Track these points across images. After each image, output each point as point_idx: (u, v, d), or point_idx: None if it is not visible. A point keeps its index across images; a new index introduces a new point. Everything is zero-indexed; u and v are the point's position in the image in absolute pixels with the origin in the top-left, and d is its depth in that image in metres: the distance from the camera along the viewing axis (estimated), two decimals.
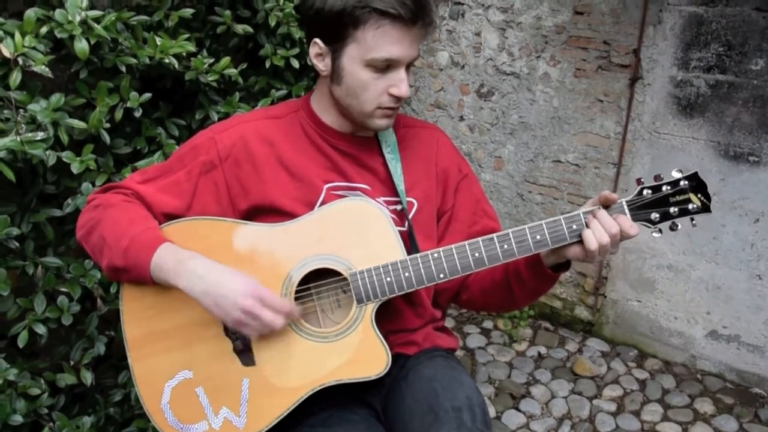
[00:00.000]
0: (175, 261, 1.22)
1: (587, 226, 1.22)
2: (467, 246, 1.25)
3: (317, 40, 1.29)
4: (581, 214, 1.24)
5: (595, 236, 1.20)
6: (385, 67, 1.26)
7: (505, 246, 1.24)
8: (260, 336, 1.25)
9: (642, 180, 1.27)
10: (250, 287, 1.19)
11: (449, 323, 3.50)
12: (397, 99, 1.29)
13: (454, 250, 1.25)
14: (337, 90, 1.31)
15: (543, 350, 3.31)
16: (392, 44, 1.23)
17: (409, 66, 1.30)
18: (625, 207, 1.25)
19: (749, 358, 2.96)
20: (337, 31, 1.25)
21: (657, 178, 1.27)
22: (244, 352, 1.27)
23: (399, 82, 1.27)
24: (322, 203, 1.33)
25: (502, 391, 2.97)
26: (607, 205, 1.24)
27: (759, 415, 2.79)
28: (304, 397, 1.25)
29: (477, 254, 1.24)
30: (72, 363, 1.73)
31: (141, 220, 1.28)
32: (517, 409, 2.86)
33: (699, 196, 1.25)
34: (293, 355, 1.26)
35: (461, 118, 3.71)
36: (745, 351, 2.96)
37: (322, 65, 1.32)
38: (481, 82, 3.57)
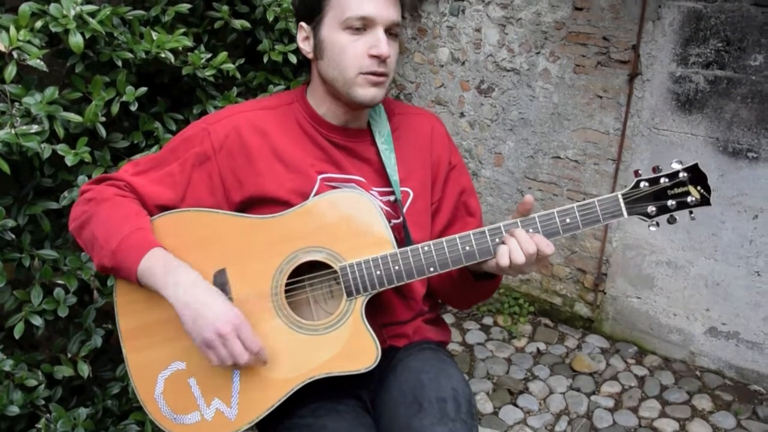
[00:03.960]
0: (164, 269, 1.21)
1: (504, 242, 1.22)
2: (458, 239, 1.24)
3: (302, 23, 1.34)
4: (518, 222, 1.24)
5: (510, 253, 1.19)
6: (362, 27, 1.26)
7: (497, 239, 1.23)
8: (252, 327, 1.24)
9: (640, 172, 1.24)
10: (232, 316, 1.18)
11: (449, 318, 3.50)
12: (379, 61, 1.27)
13: (444, 243, 1.24)
14: (322, 66, 1.32)
15: (542, 346, 3.32)
16: (366, 1, 1.25)
17: (392, 33, 1.30)
18: (539, 224, 1.23)
19: (748, 354, 2.95)
20: (314, 5, 1.29)
21: (655, 169, 1.23)
22: None
23: (377, 42, 1.26)
24: (316, 194, 1.33)
25: (500, 387, 2.97)
26: (525, 213, 1.23)
27: (757, 412, 2.79)
28: (294, 390, 1.25)
29: (468, 248, 1.24)
30: (69, 355, 1.75)
31: (133, 218, 1.27)
32: (515, 405, 2.86)
33: (698, 188, 1.21)
34: (284, 347, 1.26)
35: (462, 115, 3.71)
36: (744, 348, 2.96)
37: (308, 47, 1.34)
38: (481, 79, 3.57)
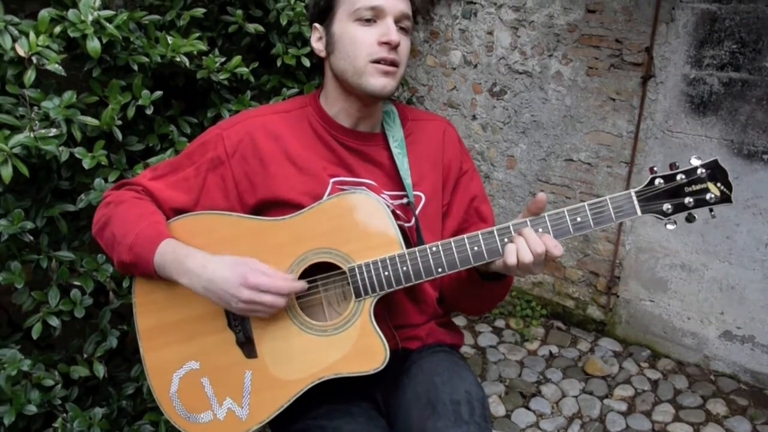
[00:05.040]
0: (176, 259, 1.25)
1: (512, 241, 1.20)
2: (466, 240, 1.23)
3: (315, 24, 1.37)
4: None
5: (518, 253, 1.17)
6: (373, 18, 1.28)
7: (506, 239, 1.22)
8: (261, 328, 1.28)
9: (655, 169, 1.19)
10: (241, 277, 1.20)
11: (461, 321, 3.50)
12: (389, 48, 1.28)
13: (452, 244, 1.24)
14: (333, 61, 1.34)
15: (555, 349, 3.31)
16: None
17: (403, 28, 1.31)
18: (549, 223, 1.20)
19: (764, 359, 2.92)
20: (326, 3, 1.32)
21: (672, 166, 1.18)
22: (247, 344, 1.29)
23: (387, 29, 1.27)
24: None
25: (512, 390, 2.97)
26: (536, 211, 1.21)
27: None
28: (304, 390, 1.27)
29: (476, 248, 1.23)
30: (85, 356, 1.77)
31: (148, 216, 1.31)
32: (527, 408, 2.85)
33: (718, 185, 1.16)
34: (294, 348, 1.28)
35: (474, 117, 3.71)
36: (759, 352, 2.93)
37: (321, 45, 1.37)
38: (493, 81, 3.57)
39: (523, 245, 1.17)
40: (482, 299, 1.43)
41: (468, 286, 1.38)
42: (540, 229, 1.21)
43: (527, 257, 1.16)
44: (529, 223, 1.22)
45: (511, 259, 1.18)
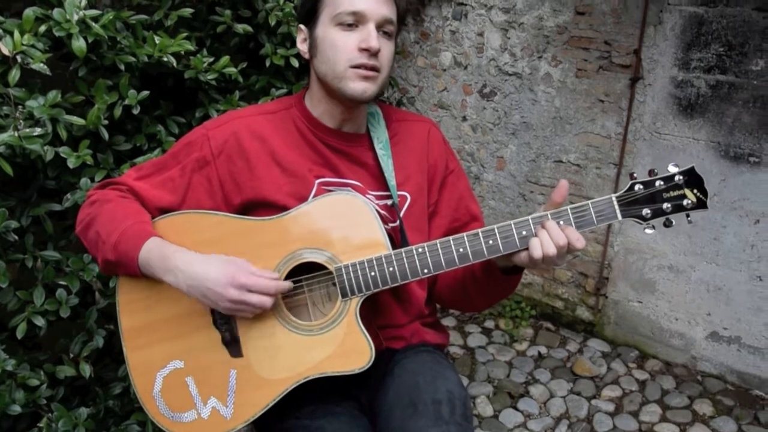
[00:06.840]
0: (161, 257, 1.25)
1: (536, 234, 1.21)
2: (452, 241, 1.25)
3: (301, 25, 1.38)
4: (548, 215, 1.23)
5: (542, 246, 1.19)
6: (354, 23, 1.29)
7: (490, 242, 1.23)
8: (247, 327, 1.29)
9: (635, 175, 1.23)
10: (229, 276, 1.20)
11: (450, 322, 3.51)
12: (369, 54, 1.29)
13: (438, 245, 1.25)
14: (316, 64, 1.35)
15: (543, 350, 3.32)
16: None
17: (386, 32, 1.32)
18: (571, 217, 1.22)
19: (750, 359, 2.95)
20: (311, 5, 1.33)
21: (651, 173, 1.23)
22: (233, 343, 1.29)
23: (367, 36, 1.28)
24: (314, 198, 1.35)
25: (500, 390, 2.98)
26: (561, 200, 1.22)
27: (758, 417, 2.78)
28: (289, 389, 1.27)
29: (461, 249, 1.24)
30: (71, 356, 1.76)
31: (133, 215, 1.31)
32: (515, 408, 2.87)
33: (695, 191, 1.21)
34: (279, 347, 1.28)
35: (464, 119, 3.72)
36: (745, 353, 2.95)
37: (305, 47, 1.38)
38: (483, 83, 3.59)
39: (547, 238, 1.19)
40: (496, 293, 1.44)
41: (486, 282, 1.37)
42: (524, 232, 1.22)
43: (551, 250, 1.18)
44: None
45: (537, 252, 1.19)
